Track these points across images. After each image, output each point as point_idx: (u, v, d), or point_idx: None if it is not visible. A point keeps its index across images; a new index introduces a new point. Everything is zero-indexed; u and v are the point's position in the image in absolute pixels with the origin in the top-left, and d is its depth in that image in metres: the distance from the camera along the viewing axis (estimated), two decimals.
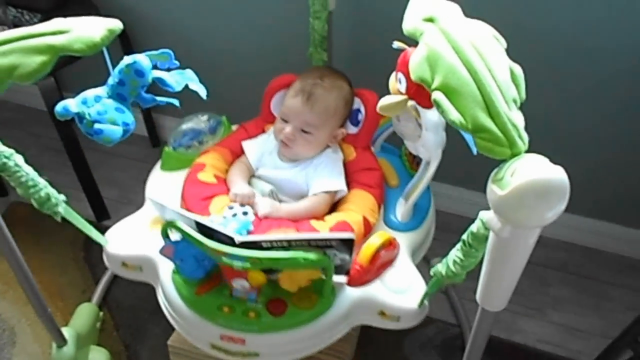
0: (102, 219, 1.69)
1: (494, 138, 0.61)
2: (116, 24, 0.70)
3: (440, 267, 0.83)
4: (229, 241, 0.88)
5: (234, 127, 1.29)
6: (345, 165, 1.16)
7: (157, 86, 0.81)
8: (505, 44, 0.70)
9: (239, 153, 1.20)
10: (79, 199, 1.72)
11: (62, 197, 0.95)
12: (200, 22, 1.56)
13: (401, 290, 0.98)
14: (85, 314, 1.40)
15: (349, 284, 0.96)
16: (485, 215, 0.67)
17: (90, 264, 1.59)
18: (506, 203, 0.60)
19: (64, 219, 0.97)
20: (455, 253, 0.77)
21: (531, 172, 0.58)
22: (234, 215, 1.01)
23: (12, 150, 0.84)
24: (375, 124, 1.18)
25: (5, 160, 0.82)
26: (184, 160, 1.20)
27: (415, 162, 1.17)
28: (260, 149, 1.19)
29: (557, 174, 0.58)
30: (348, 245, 0.87)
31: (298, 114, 1.11)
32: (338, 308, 0.97)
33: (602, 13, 1.21)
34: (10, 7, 1.41)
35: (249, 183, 1.15)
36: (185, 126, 1.22)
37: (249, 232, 0.99)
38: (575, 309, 1.51)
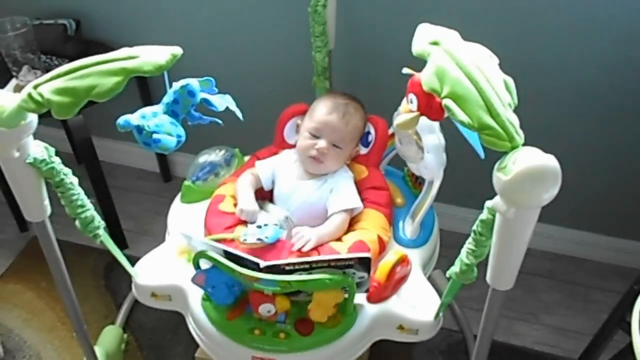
0: (121, 248, 1.77)
1: (496, 134, 0.74)
2: (177, 50, 0.82)
3: (454, 267, 0.92)
4: (254, 266, 0.95)
5: (246, 158, 1.37)
6: (357, 183, 1.25)
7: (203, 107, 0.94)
8: (497, 60, 0.84)
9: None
10: None
11: (102, 223, 1.04)
12: (211, 66, 1.70)
13: (417, 304, 1.06)
14: (110, 336, 1.48)
15: (369, 300, 1.04)
16: (491, 202, 0.79)
17: (111, 291, 1.67)
18: (510, 187, 0.72)
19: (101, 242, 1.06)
20: (467, 246, 0.88)
21: (529, 160, 0.71)
22: (253, 234, 1.07)
23: (69, 170, 0.94)
24: (384, 145, 1.29)
25: (63, 176, 0.92)
26: (202, 192, 1.28)
27: (417, 182, 1.28)
28: (271, 165, 1.27)
29: (551, 161, 0.72)
30: (365, 263, 0.96)
31: (335, 129, 1.20)
32: (360, 325, 1.04)
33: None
34: (41, 54, 1.56)
35: (263, 208, 1.21)
36: (202, 160, 1.32)
37: (279, 240, 1.08)
38: (565, 312, 1.63)
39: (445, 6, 1.40)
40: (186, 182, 1.31)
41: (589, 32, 1.37)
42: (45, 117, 0.93)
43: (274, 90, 1.44)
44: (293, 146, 1.29)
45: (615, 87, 1.44)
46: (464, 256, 0.89)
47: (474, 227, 0.85)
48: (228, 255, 0.98)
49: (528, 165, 0.71)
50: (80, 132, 1.49)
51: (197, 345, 1.33)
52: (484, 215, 0.82)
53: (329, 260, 0.95)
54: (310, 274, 0.95)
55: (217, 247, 0.99)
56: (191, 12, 1.64)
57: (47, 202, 0.97)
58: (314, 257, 0.98)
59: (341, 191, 1.20)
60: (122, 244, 1.78)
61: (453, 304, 1.62)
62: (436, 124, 1.08)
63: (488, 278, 0.87)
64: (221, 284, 0.99)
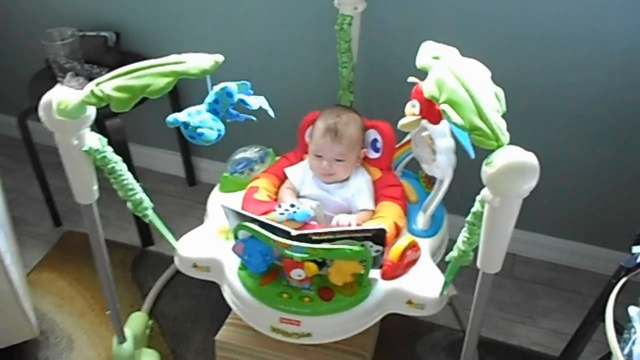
0: (147, 244, 1.93)
1: (485, 134, 0.87)
2: (220, 57, 0.97)
3: (452, 252, 1.06)
4: (285, 235, 1.10)
5: (277, 158, 1.54)
6: (374, 183, 1.42)
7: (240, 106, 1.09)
8: (490, 73, 0.97)
9: (283, 178, 1.45)
10: (125, 228, 1.98)
11: (151, 204, 1.19)
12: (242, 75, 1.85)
13: (424, 283, 1.20)
14: (137, 320, 1.60)
15: (383, 277, 1.19)
16: (480, 195, 0.92)
17: (137, 282, 1.81)
18: (495, 179, 0.85)
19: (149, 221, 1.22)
20: (463, 234, 1.01)
21: (511, 156, 0.84)
22: (286, 210, 1.22)
23: (119, 158, 1.09)
24: (392, 148, 1.44)
25: (114, 164, 1.08)
26: (238, 183, 1.45)
27: (430, 182, 1.43)
28: (300, 173, 1.44)
29: (530, 158, 0.84)
30: (381, 235, 1.10)
31: (331, 149, 1.36)
32: (374, 296, 1.19)
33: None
34: (84, 63, 1.72)
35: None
36: (240, 155, 1.49)
37: (307, 223, 1.22)
38: (561, 317, 1.73)
39: (452, 29, 1.54)
40: (225, 174, 1.48)
41: (587, 58, 1.51)
42: None
43: (301, 100, 1.58)
44: None
45: (612, 108, 1.56)
46: (460, 243, 1.03)
47: (468, 218, 0.98)
48: (264, 226, 1.13)
49: (510, 160, 0.83)
50: (118, 135, 1.63)
51: (216, 332, 1.47)
52: (475, 207, 0.95)
53: (350, 232, 1.11)
54: (333, 244, 1.10)
55: (254, 218, 1.14)
56: (222, 29, 1.80)
57: (96, 187, 1.11)
58: (337, 228, 1.14)
59: (366, 194, 1.38)
60: (148, 240, 1.92)
61: (455, 305, 1.73)
62: (447, 129, 1.22)
63: (478, 263, 0.99)
64: (257, 253, 1.14)
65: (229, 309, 1.53)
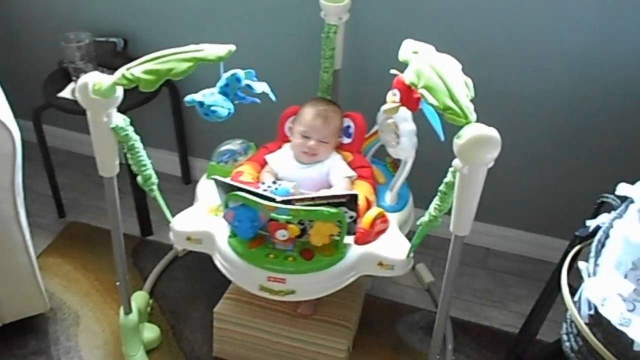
0: (147, 234, 2.07)
1: (455, 113, 1.03)
2: (232, 47, 1.13)
3: (423, 218, 1.23)
4: (271, 202, 1.26)
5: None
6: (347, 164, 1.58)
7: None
8: (461, 66, 1.14)
9: (264, 164, 1.60)
10: (126, 220, 2.07)
11: (157, 180, 1.35)
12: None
13: (393, 248, 1.37)
14: (139, 298, 1.73)
15: (356, 242, 1.36)
16: (452, 165, 1.08)
17: (137, 267, 1.94)
18: (463, 149, 1.01)
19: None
20: (435, 201, 1.18)
21: (477, 130, 1.01)
22: (269, 187, 1.37)
23: (138, 137, 1.24)
24: (363, 135, 1.63)
25: (134, 142, 1.23)
26: (223, 172, 1.57)
27: (396, 166, 1.60)
28: (279, 159, 1.59)
29: (492, 132, 1.01)
30: (354, 200, 1.27)
31: (319, 130, 1.53)
32: (349, 258, 1.34)
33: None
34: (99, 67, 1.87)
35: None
36: (225, 147, 1.64)
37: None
38: (530, 302, 1.85)
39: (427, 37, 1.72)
40: (211, 163, 1.62)
41: (548, 67, 1.69)
42: None
43: (282, 100, 1.73)
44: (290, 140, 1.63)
45: (574, 112, 1.73)
46: (431, 209, 1.19)
47: (440, 188, 1.14)
48: (252, 194, 1.27)
49: (476, 133, 1.00)
50: None
51: (212, 309, 1.60)
52: (448, 177, 1.12)
53: (327, 197, 1.27)
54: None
55: (243, 188, 1.28)
56: (219, 40, 1.95)
57: (117, 162, 1.26)
58: (315, 194, 1.30)
59: (339, 167, 1.55)
60: (148, 230, 2.06)
61: (432, 290, 1.89)
62: (409, 115, 1.40)
63: (451, 227, 1.15)
64: (246, 219, 1.28)
65: (225, 289, 1.68)
